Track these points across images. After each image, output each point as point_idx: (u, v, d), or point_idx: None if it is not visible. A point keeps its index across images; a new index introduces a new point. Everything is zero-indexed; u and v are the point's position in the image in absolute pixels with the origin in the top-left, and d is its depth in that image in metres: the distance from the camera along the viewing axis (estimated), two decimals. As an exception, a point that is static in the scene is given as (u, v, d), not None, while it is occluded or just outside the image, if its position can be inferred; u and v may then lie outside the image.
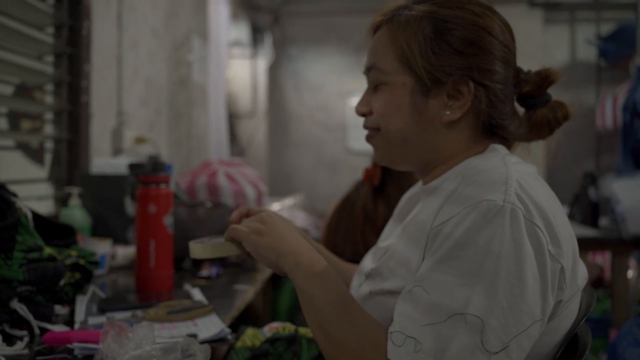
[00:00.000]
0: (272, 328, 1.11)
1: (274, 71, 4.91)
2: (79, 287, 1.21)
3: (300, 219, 2.53)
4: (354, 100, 4.85)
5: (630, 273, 2.69)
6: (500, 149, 0.82)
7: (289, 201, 2.98)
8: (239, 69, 4.54)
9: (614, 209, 2.43)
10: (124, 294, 1.25)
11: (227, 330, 0.94)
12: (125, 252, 1.58)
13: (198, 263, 1.58)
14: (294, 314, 2.93)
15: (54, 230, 1.21)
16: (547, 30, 4.71)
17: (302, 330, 1.06)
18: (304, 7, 4.83)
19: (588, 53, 4.70)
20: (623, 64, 4.24)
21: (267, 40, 4.70)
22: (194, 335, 0.92)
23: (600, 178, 2.83)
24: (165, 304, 1.08)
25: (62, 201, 1.86)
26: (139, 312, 1.03)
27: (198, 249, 0.86)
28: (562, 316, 0.74)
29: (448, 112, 0.80)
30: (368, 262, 0.95)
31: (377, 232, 1.70)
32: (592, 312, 0.81)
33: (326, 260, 0.99)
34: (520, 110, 0.89)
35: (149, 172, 1.28)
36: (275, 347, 1.02)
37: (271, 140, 4.95)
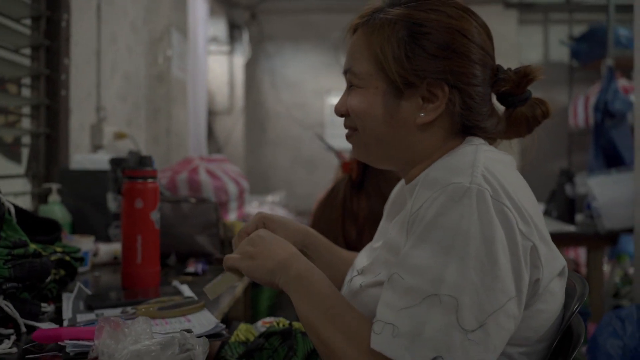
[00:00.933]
0: (266, 322, 1.11)
1: (251, 68, 4.87)
2: (63, 285, 1.18)
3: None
4: (332, 99, 4.85)
5: (605, 267, 2.76)
6: (476, 140, 0.83)
7: (269, 198, 2.96)
8: (216, 66, 4.50)
9: (590, 205, 2.49)
10: (110, 291, 1.22)
11: (222, 325, 0.93)
12: (107, 249, 1.55)
13: (183, 260, 1.56)
14: (273, 312, 2.92)
15: (37, 225, 1.18)
16: (522, 31, 4.79)
17: (297, 325, 1.05)
18: (281, 4, 4.81)
19: (561, 53, 4.80)
20: (594, 64, 4.34)
21: (244, 37, 4.67)
22: (188, 331, 0.91)
23: (572, 174, 2.90)
24: (155, 300, 1.06)
25: (40, 197, 1.81)
26: (129, 309, 1.01)
27: (210, 290, 0.89)
28: (544, 299, 0.74)
29: (422, 114, 0.81)
30: (362, 259, 0.96)
31: (358, 227, 1.70)
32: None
33: (327, 250, 1.06)
34: (500, 108, 0.89)
35: (135, 167, 1.26)
36: (270, 341, 1.01)
37: (248, 137, 4.92)
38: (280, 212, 2.58)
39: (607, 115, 4.01)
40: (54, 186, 1.67)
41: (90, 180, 1.74)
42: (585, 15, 4.79)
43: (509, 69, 0.86)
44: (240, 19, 4.60)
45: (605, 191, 2.45)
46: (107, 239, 1.66)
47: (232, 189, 2.26)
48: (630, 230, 2.47)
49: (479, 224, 0.67)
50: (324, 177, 4.89)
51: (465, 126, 0.83)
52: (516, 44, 4.70)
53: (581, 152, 4.69)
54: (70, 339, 0.84)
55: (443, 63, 0.79)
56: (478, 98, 0.81)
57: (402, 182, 0.98)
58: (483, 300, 0.65)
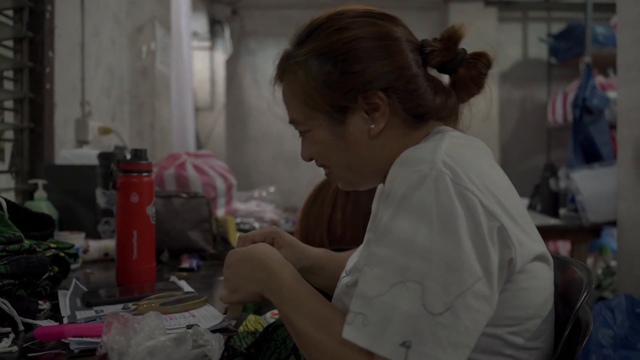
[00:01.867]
0: (275, 314, 1.09)
1: (233, 64, 4.83)
2: (56, 282, 1.15)
3: (270, 212, 2.51)
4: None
5: (589, 260, 2.81)
6: (444, 128, 0.84)
7: (256, 194, 2.94)
8: (197, 62, 4.45)
9: (574, 198, 2.53)
10: (106, 287, 1.19)
11: (227, 319, 0.91)
12: (98, 246, 1.51)
13: (176, 256, 1.53)
14: (260, 307, 2.89)
15: (29, 221, 1.14)
16: (501, 28, 4.84)
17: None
18: (262, 0, 4.77)
19: (540, 51, 4.87)
20: (573, 62, 4.42)
21: (226, 33, 4.62)
22: (195, 326, 0.89)
23: (555, 168, 2.94)
24: (156, 295, 1.03)
25: (25, 194, 1.76)
26: (130, 305, 0.98)
27: (231, 316, 0.92)
28: (525, 278, 0.74)
29: (373, 126, 0.81)
30: (352, 260, 0.97)
31: (343, 222, 1.69)
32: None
33: (338, 266, 1.05)
34: (445, 77, 0.89)
35: (130, 160, 1.23)
36: (278, 333, 1.00)
37: (230, 134, 4.88)
38: (268, 208, 2.56)
39: (586, 111, 4.08)
40: (40, 182, 1.63)
41: (78, 176, 1.70)
42: (564, 14, 4.86)
43: (434, 39, 0.85)
44: (221, 15, 4.56)
45: (589, 185, 2.49)
46: (96, 235, 1.62)
47: (220, 184, 2.23)
48: (613, 223, 2.52)
49: (439, 209, 0.68)
50: (306, 173, 4.88)
51: (418, 114, 0.83)
52: (496, 41, 4.75)
53: (560, 147, 4.77)
54: (74, 336, 0.82)
55: (362, 75, 0.80)
56: (414, 86, 0.81)
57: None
58: (449, 283, 0.66)
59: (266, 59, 4.89)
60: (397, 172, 0.74)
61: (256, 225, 2.21)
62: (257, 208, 2.54)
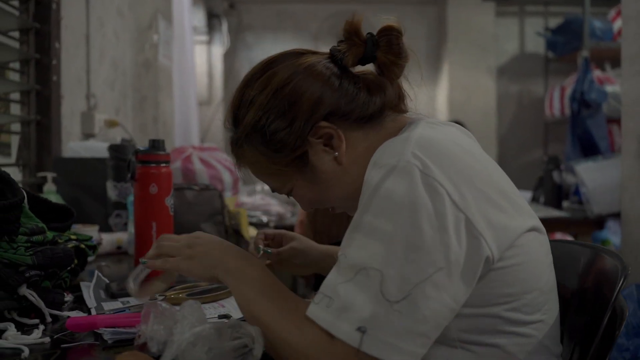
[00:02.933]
0: None
1: (230, 58, 4.81)
2: (74, 274, 1.14)
3: (276, 205, 2.50)
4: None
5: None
6: (417, 120, 0.84)
7: (259, 187, 2.92)
8: (195, 56, 4.41)
9: (578, 191, 2.54)
10: (124, 279, 1.18)
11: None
12: (110, 239, 1.50)
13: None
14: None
15: (49, 212, 1.13)
16: (499, 23, 4.85)
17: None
18: (260, -6, 4.75)
19: (537, 45, 4.89)
20: (570, 56, 4.44)
21: (223, 27, 4.59)
22: (227, 316, 0.88)
23: (558, 161, 2.95)
24: (181, 286, 1.03)
25: (33, 187, 1.74)
26: (157, 296, 0.97)
27: (141, 292, 0.87)
28: (513, 254, 0.73)
29: (337, 153, 0.82)
30: None
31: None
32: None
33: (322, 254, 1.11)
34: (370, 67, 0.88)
35: (149, 151, 1.21)
36: None
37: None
38: (272, 202, 2.55)
39: (584, 105, 4.10)
40: (50, 175, 1.61)
41: (87, 169, 1.68)
42: (561, 8, 4.88)
43: (339, 42, 0.85)
44: (219, 9, 4.53)
45: (593, 177, 2.51)
46: (107, 228, 1.61)
47: (227, 177, 2.22)
48: (616, 215, 2.54)
49: (405, 199, 0.68)
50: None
51: (368, 117, 0.83)
52: (494, 35, 4.76)
53: (557, 141, 4.79)
54: (107, 327, 0.81)
55: (298, 120, 0.80)
56: (346, 98, 0.81)
57: None
58: (407, 271, 0.67)
59: (263, 54, 4.81)
60: (371, 168, 0.75)
61: (264, 218, 2.20)
62: (262, 201, 2.53)
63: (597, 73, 4.24)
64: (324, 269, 1.18)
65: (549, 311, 0.79)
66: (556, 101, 4.57)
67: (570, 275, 0.82)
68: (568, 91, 4.32)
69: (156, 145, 1.23)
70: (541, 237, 0.80)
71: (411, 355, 0.67)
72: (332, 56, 0.84)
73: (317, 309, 0.70)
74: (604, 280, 0.86)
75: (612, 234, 3.55)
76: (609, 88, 4.16)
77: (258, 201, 2.50)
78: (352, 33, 0.83)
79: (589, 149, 4.13)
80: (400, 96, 0.87)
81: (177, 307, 0.76)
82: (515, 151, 4.90)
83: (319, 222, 1.71)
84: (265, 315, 0.75)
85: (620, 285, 0.80)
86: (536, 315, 0.76)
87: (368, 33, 0.84)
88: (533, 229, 0.78)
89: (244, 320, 0.77)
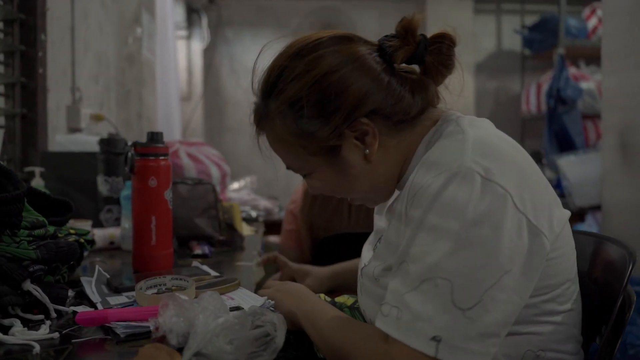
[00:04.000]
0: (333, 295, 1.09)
1: (210, 54, 4.76)
2: (72, 269, 1.11)
3: (262, 200, 2.48)
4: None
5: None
6: (450, 115, 0.83)
7: (242, 183, 2.90)
8: (176, 51, 4.36)
9: (560, 184, 2.59)
10: (123, 274, 1.16)
11: (270, 301, 0.90)
12: (103, 234, 1.47)
13: (184, 243, 1.50)
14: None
15: (47, 206, 1.10)
16: (477, 20, 4.90)
17: (341, 299, 1.04)
18: (239, -11, 4.71)
19: (514, 43, 4.96)
20: (546, 53, 4.52)
21: (203, 22, 4.54)
22: (238, 308, 0.87)
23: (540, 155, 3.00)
24: (180, 278, 1.01)
25: (19, 182, 1.69)
26: (163, 289, 0.95)
27: None
28: (557, 247, 0.75)
29: (367, 151, 0.80)
30: (366, 252, 0.98)
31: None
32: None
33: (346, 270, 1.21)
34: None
35: (147, 144, 1.19)
36: None
37: (207, 124, 4.81)
38: (259, 197, 2.53)
39: (560, 101, 4.18)
40: (38, 170, 1.57)
41: (76, 163, 1.65)
42: (537, 6, 4.96)
43: (391, 36, 0.82)
44: (198, 4, 4.47)
45: (575, 171, 2.56)
46: (98, 224, 1.57)
47: (215, 172, 2.19)
48: (597, 208, 2.60)
49: (470, 206, 0.68)
50: (283, 164, 4.85)
51: (405, 120, 0.82)
52: (471, 33, 4.82)
53: (534, 137, 4.88)
54: (118, 321, 0.79)
55: (339, 110, 0.78)
56: (392, 100, 0.80)
57: None
58: (477, 279, 0.67)
59: (243, 49, 4.83)
60: (425, 173, 0.73)
61: (252, 213, 2.18)
62: (249, 197, 2.51)
63: (572, 70, 4.33)
64: (350, 286, 1.22)
65: (577, 301, 0.81)
66: (532, 98, 4.65)
67: (578, 263, 0.84)
68: (544, 88, 4.40)
69: (155, 137, 1.21)
70: (569, 228, 0.81)
71: (485, 355, 0.67)
72: (381, 49, 0.82)
73: (387, 321, 0.70)
74: (611, 267, 0.87)
75: (588, 227, 3.64)
76: (583, 85, 4.25)
77: (245, 196, 2.48)
78: (407, 31, 0.80)
79: (565, 144, 4.21)
80: (436, 94, 0.86)
81: (195, 299, 0.75)
82: (493, 147, 4.96)
83: (317, 215, 1.70)
84: (344, 345, 0.77)
85: (630, 270, 0.82)
86: (567, 305, 0.78)
87: (421, 34, 0.81)
88: (567, 220, 0.79)
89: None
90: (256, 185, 3.06)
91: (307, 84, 0.78)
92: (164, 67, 3.00)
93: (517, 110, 4.91)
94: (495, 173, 0.70)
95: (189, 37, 4.48)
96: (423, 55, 0.81)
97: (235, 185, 3.05)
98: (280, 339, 0.71)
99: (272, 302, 0.90)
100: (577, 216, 2.54)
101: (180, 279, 0.97)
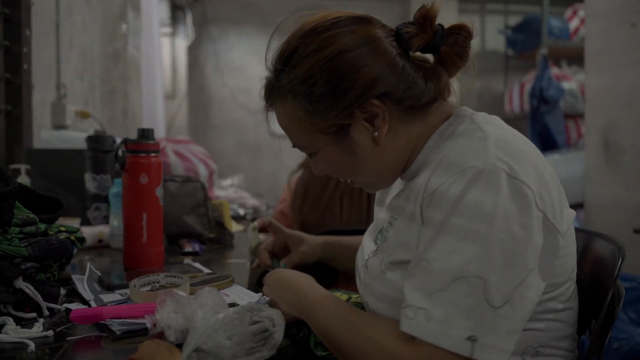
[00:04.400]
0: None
1: (195, 51, 4.73)
2: (62, 267, 1.10)
3: (249, 198, 2.47)
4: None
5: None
6: (463, 111, 0.84)
7: (229, 181, 2.89)
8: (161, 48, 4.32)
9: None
10: (114, 272, 1.15)
11: (265, 298, 0.90)
12: (91, 232, 1.45)
13: (174, 241, 1.49)
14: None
15: (35, 203, 1.08)
16: (461, 20, 4.92)
17: (336, 295, 1.04)
18: (224, -14, 4.69)
19: (497, 43, 5.01)
20: (529, 53, 4.57)
21: (188, 19, 4.51)
22: (235, 304, 0.87)
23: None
24: (174, 275, 1.00)
25: (4, 180, 1.66)
26: (157, 286, 0.95)
27: None
28: (564, 246, 0.77)
29: (376, 133, 0.80)
30: (368, 244, 0.96)
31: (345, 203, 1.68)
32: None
33: (347, 248, 1.16)
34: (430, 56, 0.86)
35: (138, 140, 1.18)
36: None
37: (192, 122, 4.78)
38: (246, 195, 2.53)
39: (542, 101, 4.24)
40: (23, 167, 1.55)
41: (62, 161, 1.63)
42: (520, 7, 5.02)
43: (409, 23, 0.82)
44: (183, 1, 4.44)
45: (558, 169, 2.59)
46: (86, 222, 1.56)
47: (202, 170, 2.19)
48: (580, 205, 2.64)
49: (497, 205, 0.68)
50: (269, 162, 4.85)
51: (417, 107, 0.82)
52: (456, 32, 4.85)
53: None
54: (113, 318, 0.79)
55: (351, 89, 0.78)
56: (404, 82, 0.80)
57: None
58: (507, 276, 0.67)
59: (228, 47, 4.81)
60: (444, 174, 0.73)
61: (240, 211, 2.17)
62: (236, 195, 2.51)
63: (554, 70, 4.39)
64: (341, 261, 1.21)
65: (575, 299, 0.82)
66: (516, 97, 4.71)
67: (569, 258, 0.85)
68: (527, 88, 4.45)
69: (146, 134, 1.20)
70: (572, 227, 0.81)
71: (509, 353, 0.67)
72: (398, 34, 0.81)
73: (416, 324, 0.68)
74: (601, 262, 0.89)
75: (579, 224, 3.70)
76: (565, 85, 4.31)
77: (232, 194, 2.47)
78: (426, 19, 0.80)
79: (547, 143, 4.27)
80: (447, 85, 0.86)
81: (192, 295, 0.75)
82: (477, 146, 5.01)
83: (308, 213, 1.70)
84: (356, 344, 0.74)
85: (619, 265, 0.84)
86: (568, 303, 0.80)
87: (439, 24, 0.81)
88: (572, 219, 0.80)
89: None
90: (243, 183, 3.05)
91: (321, 61, 0.78)
92: (149, 64, 2.97)
93: (500, 110, 4.95)
94: (518, 171, 0.70)
95: (173, 35, 4.45)
96: (439, 45, 0.81)
97: (222, 183, 3.04)
98: (278, 335, 0.71)
99: (268, 298, 0.90)
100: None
101: (174, 276, 0.97)
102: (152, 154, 1.19)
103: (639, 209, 2.09)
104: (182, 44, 4.50)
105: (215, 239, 1.54)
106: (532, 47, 4.49)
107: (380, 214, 0.97)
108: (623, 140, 2.32)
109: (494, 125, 0.79)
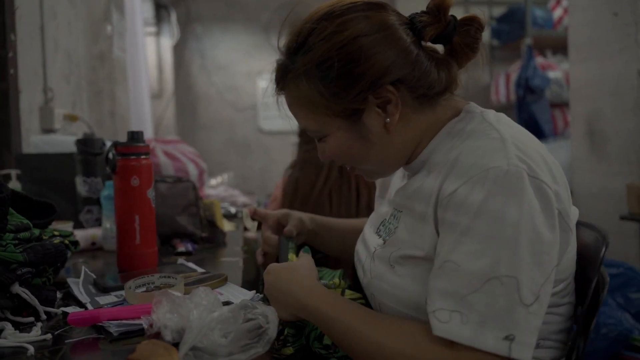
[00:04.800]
0: None
1: (180, 50, 4.71)
2: (56, 271, 1.11)
3: (239, 196, 2.49)
4: (263, 80, 4.81)
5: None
6: (473, 108, 0.85)
7: (219, 179, 2.90)
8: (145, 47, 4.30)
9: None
10: (108, 274, 1.16)
11: (259, 295, 0.92)
12: (84, 235, 1.46)
13: (166, 241, 1.50)
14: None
15: (28, 209, 1.09)
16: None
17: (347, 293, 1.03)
18: (208, -16, 4.68)
19: (482, 34, 5.03)
20: (514, 44, 4.61)
21: (172, 18, 4.50)
22: (228, 303, 0.89)
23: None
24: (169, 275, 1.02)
25: (-6, 185, 1.66)
26: (152, 287, 0.96)
27: None
28: (572, 243, 0.80)
29: (388, 120, 0.81)
30: (372, 237, 0.96)
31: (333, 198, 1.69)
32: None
33: (332, 225, 1.19)
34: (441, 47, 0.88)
35: (128, 143, 1.19)
36: None
37: (180, 121, 4.77)
38: (237, 193, 2.54)
39: (528, 91, 4.28)
40: (14, 172, 1.55)
41: (53, 164, 1.63)
42: (504, -3, 5.05)
43: (422, 12, 0.83)
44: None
45: (545, 159, 2.62)
46: (78, 225, 1.56)
47: (192, 170, 2.19)
48: (567, 194, 2.68)
49: (522, 205, 0.69)
50: (259, 159, 4.86)
51: (429, 95, 0.83)
52: (441, 24, 4.87)
53: (504, 127, 4.96)
54: (110, 320, 0.80)
55: (366, 74, 0.78)
56: (418, 70, 0.80)
57: None
58: (536, 274, 0.68)
59: (214, 45, 4.80)
60: (461, 176, 0.73)
61: (232, 209, 2.19)
62: (226, 193, 2.52)
63: (540, 60, 4.43)
64: (324, 242, 1.22)
65: (573, 294, 0.84)
66: (502, 88, 4.74)
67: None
68: (513, 78, 4.49)
69: (136, 137, 1.21)
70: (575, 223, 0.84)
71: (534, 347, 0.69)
72: (412, 23, 0.82)
73: (452, 328, 0.67)
74: (586, 250, 0.91)
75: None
76: (551, 74, 4.35)
77: (222, 193, 2.48)
78: (440, 9, 0.81)
79: (534, 133, 4.28)
80: (456, 78, 0.86)
81: (188, 295, 0.76)
82: (465, 137, 5.04)
83: (298, 210, 1.72)
84: (379, 344, 0.72)
85: (603, 252, 0.86)
86: (566, 299, 0.82)
87: (451, 15, 0.82)
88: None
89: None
90: (233, 181, 3.06)
91: (337, 45, 0.78)
92: (134, 65, 2.96)
93: (487, 100, 4.99)
94: (537, 171, 0.71)
95: (158, 34, 4.43)
96: (452, 35, 0.82)
97: (212, 181, 3.04)
98: (272, 331, 0.73)
99: (261, 295, 0.91)
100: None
101: (169, 277, 0.98)
102: (143, 157, 1.20)
103: (624, 196, 2.12)
104: (167, 43, 4.49)
105: (207, 238, 1.55)
106: (516, 38, 4.52)
107: (382, 207, 0.98)
108: (607, 128, 2.36)
109: (506, 125, 0.80)
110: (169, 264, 1.24)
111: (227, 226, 1.76)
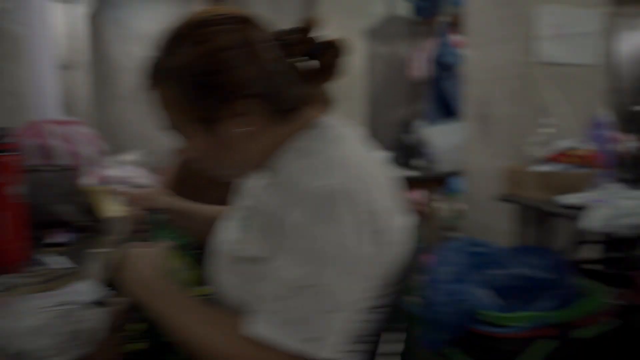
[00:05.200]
0: None
1: (95, 19, 4.53)
2: None
3: (143, 177, 2.48)
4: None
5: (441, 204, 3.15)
6: (323, 123, 0.90)
7: (127, 158, 2.86)
8: (51, 17, 4.10)
9: (427, 151, 2.80)
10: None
11: (107, 291, 0.95)
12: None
13: (45, 231, 1.51)
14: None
15: None
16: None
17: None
18: (124, -51, 4.48)
19: (405, 9, 5.12)
20: (433, 20, 4.72)
21: (85, -16, 4.30)
22: (65, 304, 0.93)
23: (412, 123, 3.21)
24: (21, 276, 1.05)
25: None
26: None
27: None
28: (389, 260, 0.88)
29: (243, 130, 0.86)
30: (223, 233, 1.02)
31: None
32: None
33: (191, 212, 1.23)
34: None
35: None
36: None
37: (95, 93, 4.62)
38: (141, 173, 2.53)
39: (441, 67, 4.42)
40: None
41: None
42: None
43: (290, 30, 0.89)
44: (78, -37, 4.22)
45: (441, 139, 2.77)
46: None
47: (86, 152, 2.17)
48: (458, 173, 2.84)
49: (338, 223, 0.77)
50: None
51: (286, 109, 0.88)
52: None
53: (422, 100, 5.11)
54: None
55: (228, 85, 0.83)
56: (275, 86, 0.85)
57: None
58: (347, 284, 0.78)
59: (132, 14, 4.64)
60: (291, 194, 0.80)
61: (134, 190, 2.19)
62: (131, 173, 2.51)
63: (458, 38, 4.56)
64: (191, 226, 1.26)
65: (389, 301, 0.91)
66: (422, 62, 4.86)
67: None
68: (430, 53, 4.61)
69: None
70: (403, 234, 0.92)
71: (340, 347, 0.80)
72: (278, 40, 0.87)
73: (259, 328, 0.77)
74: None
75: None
76: (468, 51, 4.49)
77: (126, 173, 2.47)
78: (304, 30, 0.87)
79: (445, 109, 4.46)
80: (318, 94, 0.92)
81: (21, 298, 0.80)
82: (385, 110, 5.16)
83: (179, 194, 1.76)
84: (194, 341, 0.81)
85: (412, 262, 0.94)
86: (380, 305, 0.90)
87: (318, 36, 0.88)
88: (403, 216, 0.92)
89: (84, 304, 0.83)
90: (144, 158, 3.02)
91: (199, 55, 0.82)
92: (35, 37, 2.84)
93: (405, 75, 5.11)
94: (355, 190, 0.79)
95: (68, 1, 4.23)
96: (316, 56, 0.88)
97: (124, 157, 2.99)
98: (98, 335, 0.78)
99: (105, 292, 0.95)
100: (441, 181, 2.78)
101: (25, 277, 1.00)
102: (3, 154, 1.20)
103: (503, 176, 2.29)
104: (79, 11, 4.30)
105: (89, 227, 1.57)
106: (435, 14, 4.63)
107: (239, 202, 1.03)
108: (494, 113, 2.51)
109: (342, 142, 0.87)
110: (35, 260, 1.25)
111: (115, 211, 1.77)
